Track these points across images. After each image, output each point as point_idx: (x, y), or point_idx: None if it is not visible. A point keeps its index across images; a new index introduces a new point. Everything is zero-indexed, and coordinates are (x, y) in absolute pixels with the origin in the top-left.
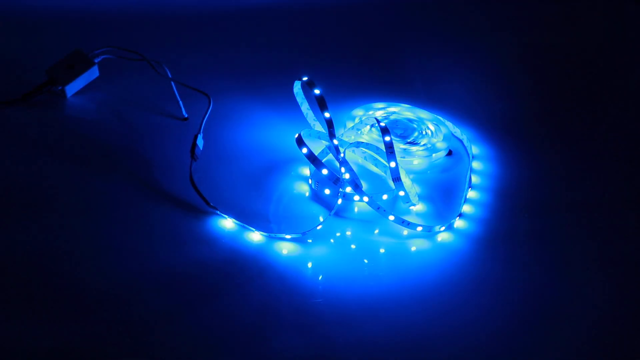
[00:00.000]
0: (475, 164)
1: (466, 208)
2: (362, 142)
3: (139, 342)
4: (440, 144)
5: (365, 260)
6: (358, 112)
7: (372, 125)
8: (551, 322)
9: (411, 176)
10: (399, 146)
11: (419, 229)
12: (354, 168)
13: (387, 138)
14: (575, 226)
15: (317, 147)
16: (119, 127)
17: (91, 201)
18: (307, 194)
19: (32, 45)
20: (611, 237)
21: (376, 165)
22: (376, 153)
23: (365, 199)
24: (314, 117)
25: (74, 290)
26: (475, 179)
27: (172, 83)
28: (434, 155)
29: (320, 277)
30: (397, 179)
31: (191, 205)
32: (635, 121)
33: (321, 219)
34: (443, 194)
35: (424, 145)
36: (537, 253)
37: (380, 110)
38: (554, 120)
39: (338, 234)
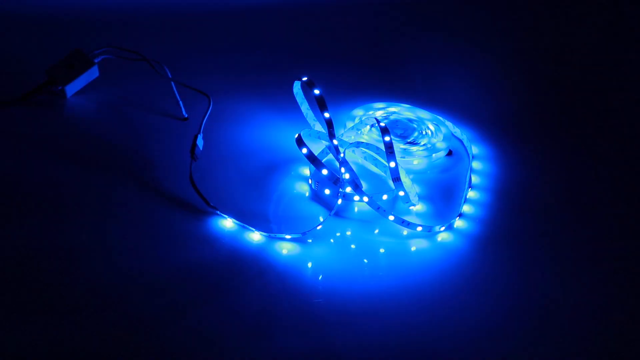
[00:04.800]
0: (475, 164)
1: (466, 208)
2: (362, 142)
3: (139, 342)
4: (440, 144)
5: (365, 260)
6: (358, 112)
7: (372, 125)
8: (551, 321)
9: (411, 176)
10: (399, 146)
11: (419, 229)
12: (354, 168)
13: (387, 138)
14: (575, 226)
15: (317, 147)
16: (119, 127)
17: (91, 201)
18: (307, 194)
19: (32, 45)
20: (611, 236)
21: (376, 165)
22: (376, 153)
23: (365, 199)
24: (314, 117)
25: (73, 290)
26: (475, 179)
27: (172, 83)
28: (434, 155)
29: (320, 277)
30: (397, 179)
31: (191, 205)
32: (635, 121)
33: (321, 219)
34: (443, 194)
35: (424, 145)
36: (537, 253)
37: (380, 110)
38: (554, 120)
39: (338, 234)
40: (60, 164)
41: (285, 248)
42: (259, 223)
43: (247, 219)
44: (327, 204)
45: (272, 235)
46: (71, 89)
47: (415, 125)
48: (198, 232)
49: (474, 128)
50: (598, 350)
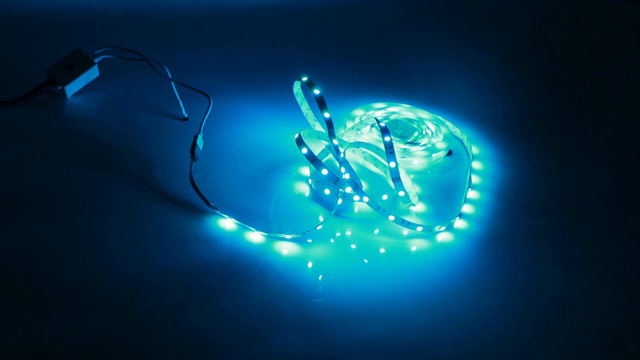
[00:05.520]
0: (475, 164)
1: (466, 208)
2: (362, 142)
3: (139, 342)
4: (440, 144)
5: (365, 260)
6: (358, 112)
7: (372, 125)
8: (551, 322)
9: (411, 176)
10: (399, 146)
11: (419, 229)
12: (354, 168)
13: (387, 138)
14: (575, 226)
15: (317, 147)
16: (119, 127)
17: (91, 201)
18: (307, 194)
19: (32, 45)
20: (611, 236)
21: (376, 165)
22: (376, 153)
23: (365, 199)
24: (314, 117)
25: (73, 290)
26: (475, 179)
27: (172, 83)
28: (434, 155)
29: (320, 277)
30: (397, 179)
31: (191, 205)
32: (635, 121)
33: (321, 219)
34: (443, 194)
35: (424, 145)
36: (537, 253)
37: (380, 110)
38: (554, 120)
39: (338, 234)
40: (60, 164)
41: (285, 248)
42: (259, 223)
43: (247, 219)
44: (327, 204)
45: (272, 235)
46: (71, 89)
47: (415, 125)
48: (198, 232)
49: (474, 128)
50: (598, 349)
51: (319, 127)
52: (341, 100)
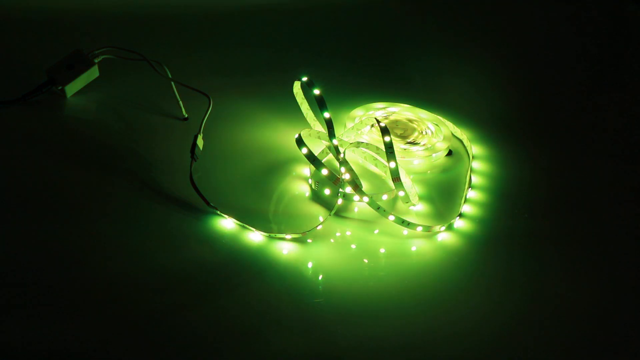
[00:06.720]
0: (475, 164)
1: (466, 208)
2: (362, 142)
3: (139, 342)
4: (441, 144)
5: (365, 260)
6: (358, 112)
7: (372, 126)
8: (551, 322)
9: (411, 176)
10: (399, 146)
11: (419, 229)
12: (354, 168)
13: (387, 138)
14: (574, 226)
15: (317, 147)
16: (119, 127)
17: (91, 201)
18: (307, 194)
19: (32, 45)
20: (611, 236)
21: (376, 165)
22: (376, 153)
23: (366, 199)
24: (314, 117)
25: (73, 290)
26: (475, 179)
27: (172, 83)
28: (433, 155)
29: (320, 277)
30: (397, 179)
31: (191, 205)
32: (635, 120)
33: (321, 219)
34: (443, 194)
35: (424, 145)
36: (536, 253)
37: (380, 110)
38: (554, 120)
39: (338, 234)
40: (60, 164)
41: (285, 248)
42: (259, 223)
43: (247, 219)
44: (327, 204)
45: (272, 235)
46: (71, 89)
47: (416, 125)
48: (198, 232)
49: (474, 128)
50: (599, 350)
51: (319, 127)
52: (341, 100)
